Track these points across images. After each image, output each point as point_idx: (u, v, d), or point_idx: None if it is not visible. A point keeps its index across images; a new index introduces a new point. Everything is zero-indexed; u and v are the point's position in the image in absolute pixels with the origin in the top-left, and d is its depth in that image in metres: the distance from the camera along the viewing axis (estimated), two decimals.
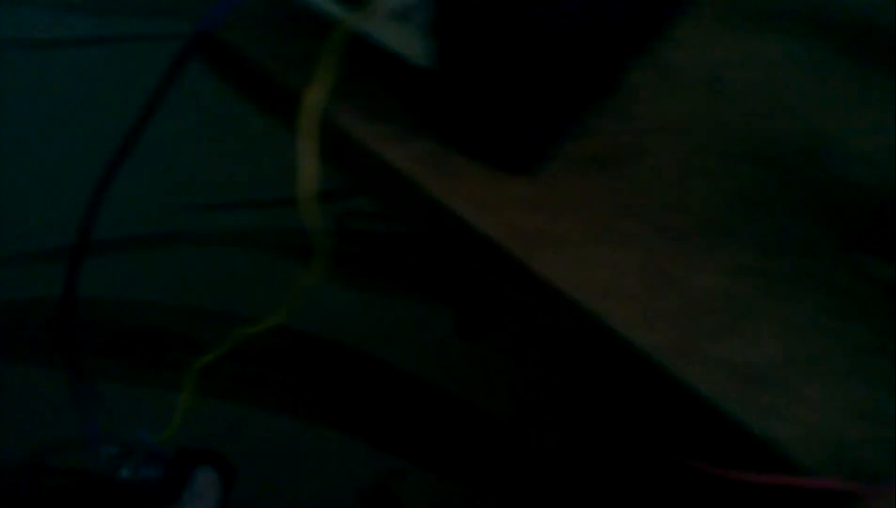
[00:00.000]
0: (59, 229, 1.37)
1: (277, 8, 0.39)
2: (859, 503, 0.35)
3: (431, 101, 0.42)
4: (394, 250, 1.40)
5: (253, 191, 1.49)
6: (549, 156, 0.45)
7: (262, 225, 1.43)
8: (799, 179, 0.46)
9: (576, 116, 0.47)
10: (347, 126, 0.42)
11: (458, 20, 0.37)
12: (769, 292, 0.42)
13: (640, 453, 1.12)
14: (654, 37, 0.53)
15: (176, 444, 0.37)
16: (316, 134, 0.33)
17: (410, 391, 1.21)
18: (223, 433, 1.17)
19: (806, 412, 0.38)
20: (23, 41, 1.78)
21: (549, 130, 0.44)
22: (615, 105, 0.49)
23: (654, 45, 0.53)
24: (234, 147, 1.55)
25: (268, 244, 1.40)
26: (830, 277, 0.43)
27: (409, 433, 1.17)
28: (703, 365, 0.39)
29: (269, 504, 1.12)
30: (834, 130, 0.49)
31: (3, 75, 1.70)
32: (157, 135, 1.53)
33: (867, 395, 0.39)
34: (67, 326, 0.33)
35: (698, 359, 0.39)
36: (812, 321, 0.41)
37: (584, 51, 0.41)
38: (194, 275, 1.36)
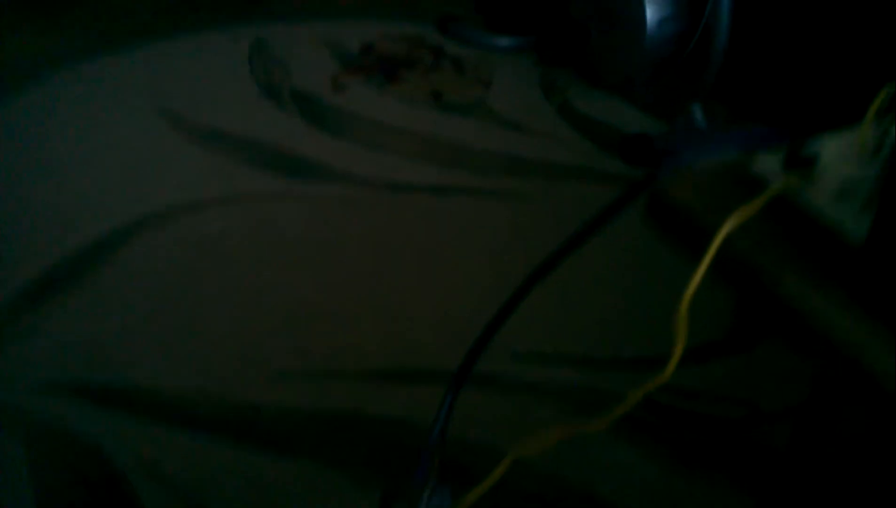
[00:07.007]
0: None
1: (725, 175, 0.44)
2: None
3: (862, 278, 0.43)
4: (698, 433, 1.35)
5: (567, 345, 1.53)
6: None
7: (566, 380, 1.47)
8: None
9: None
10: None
11: None
12: None
13: None
14: None
15: None
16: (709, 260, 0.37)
17: None
18: None
19: None
20: (383, 180, 2.05)
21: None
22: None
23: None
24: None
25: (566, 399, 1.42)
26: None
27: None
28: None
29: None
30: None
31: (373, 214, 1.96)
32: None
33: None
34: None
35: None
36: None
37: None
38: (490, 416, 1.41)
